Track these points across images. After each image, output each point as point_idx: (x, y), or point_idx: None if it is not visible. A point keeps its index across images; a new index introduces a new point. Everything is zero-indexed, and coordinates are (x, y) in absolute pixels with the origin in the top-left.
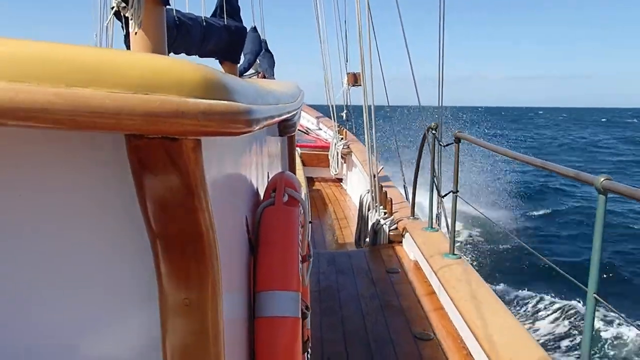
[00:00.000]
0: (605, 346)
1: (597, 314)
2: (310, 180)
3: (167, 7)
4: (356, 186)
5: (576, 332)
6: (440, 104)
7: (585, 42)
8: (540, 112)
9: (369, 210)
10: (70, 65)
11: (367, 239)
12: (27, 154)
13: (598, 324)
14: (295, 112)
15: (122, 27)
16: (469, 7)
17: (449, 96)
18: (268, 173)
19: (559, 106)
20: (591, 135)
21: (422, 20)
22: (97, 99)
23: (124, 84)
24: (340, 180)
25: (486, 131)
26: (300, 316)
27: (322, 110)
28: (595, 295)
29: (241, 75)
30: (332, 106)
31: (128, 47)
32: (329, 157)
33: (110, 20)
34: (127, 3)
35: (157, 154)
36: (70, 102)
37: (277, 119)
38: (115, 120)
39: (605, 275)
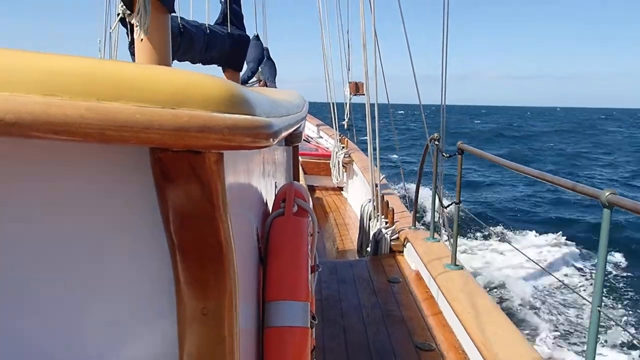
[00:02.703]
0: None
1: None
2: (311, 189)
3: (172, 14)
4: (357, 195)
5: (580, 344)
6: (442, 102)
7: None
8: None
9: (370, 219)
10: (101, 80)
11: (369, 248)
12: (45, 160)
13: (602, 337)
14: (301, 122)
15: (127, 34)
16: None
17: (454, 94)
18: (276, 183)
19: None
20: None
21: (436, 16)
22: (127, 113)
23: (152, 98)
24: (340, 188)
25: None
26: (309, 326)
27: (323, 107)
28: (599, 309)
29: (244, 83)
30: (334, 116)
31: (132, 54)
32: (331, 166)
33: (115, 26)
34: (132, 10)
35: (180, 166)
36: (101, 116)
37: (289, 131)
38: (144, 135)
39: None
